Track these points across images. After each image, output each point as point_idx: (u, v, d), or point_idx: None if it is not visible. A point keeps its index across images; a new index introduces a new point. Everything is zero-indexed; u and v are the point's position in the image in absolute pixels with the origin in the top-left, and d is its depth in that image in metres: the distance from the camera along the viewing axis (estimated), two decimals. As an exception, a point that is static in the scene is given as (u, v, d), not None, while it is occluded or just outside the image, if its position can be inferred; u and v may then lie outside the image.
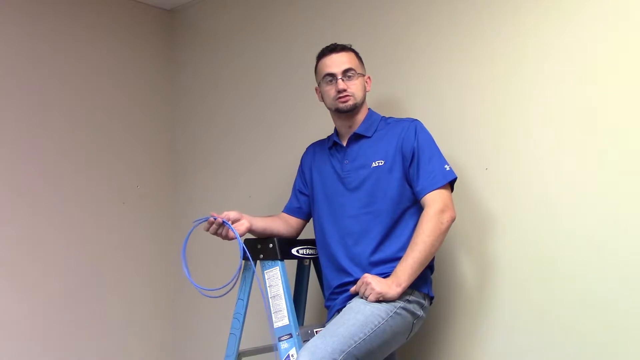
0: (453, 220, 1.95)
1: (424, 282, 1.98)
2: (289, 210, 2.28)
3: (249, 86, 3.01)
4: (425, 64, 2.36)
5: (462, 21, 2.27)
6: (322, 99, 2.14)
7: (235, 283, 2.02)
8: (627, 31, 1.91)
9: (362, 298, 1.90)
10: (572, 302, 1.96)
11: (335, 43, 2.12)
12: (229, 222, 2.04)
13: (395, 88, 2.43)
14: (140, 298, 3.13)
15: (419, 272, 1.90)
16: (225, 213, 2.06)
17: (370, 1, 2.54)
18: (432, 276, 2.07)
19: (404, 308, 1.90)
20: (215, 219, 2.04)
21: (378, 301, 1.87)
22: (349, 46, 2.12)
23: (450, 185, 2.00)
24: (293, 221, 2.26)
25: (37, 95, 2.86)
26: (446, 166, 1.99)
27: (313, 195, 2.19)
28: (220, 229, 2.05)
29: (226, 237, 2.06)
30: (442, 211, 1.92)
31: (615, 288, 1.88)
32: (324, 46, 2.14)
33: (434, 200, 1.94)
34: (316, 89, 2.18)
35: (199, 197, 3.18)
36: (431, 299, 2.03)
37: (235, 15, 3.10)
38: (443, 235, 1.93)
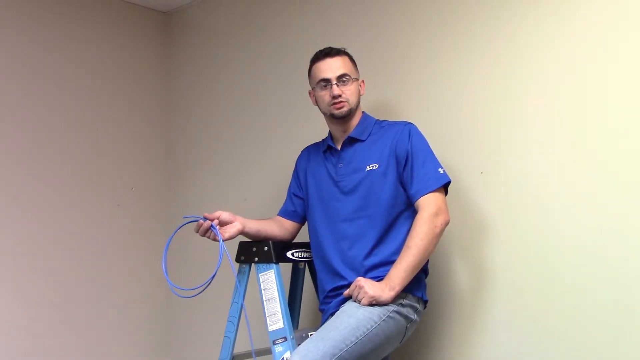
0: (447, 223, 1.95)
1: (418, 285, 1.98)
2: (284, 213, 2.27)
3: (245, 89, 3.01)
4: (420, 67, 2.36)
5: (457, 24, 2.27)
6: (317, 103, 2.14)
7: (207, 286, 2.00)
8: (624, 34, 1.91)
9: (355, 302, 1.90)
10: (568, 306, 1.96)
11: (330, 47, 2.11)
12: (217, 226, 2.03)
13: (389, 91, 2.43)
14: (136, 300, 3.12)
15: (412, 276, 1.90)
16: (218, 212, 2.06)
17: (366, 4, 2.55)
18: (427, 280, 2.07)
19: (397, 312, 1.90)
20: (205, 220, 2.03)
21: (371, 305, 1.86)
22: (343, 50, 2.11)
23: (445, 188, 2.00)
24: (288, 224, 2.26)
25: (33, 98, 2.85)
26: (440, 169, 1.99)
27: (308, 198, 2.19)
28: (209, 232, 2.05)
29: (215, 240, 2.06)
30: (436, 214, 1.92)
31: (612, 291, 1.88)
32: (318, 49, 2.13)
33: (428, 203, 1.93)
34: (310, 93, 2.17)
35: (195, 200, 3.18)
36: (425, 302, 2.03)
37: (231, 18, 3.10)
38: (437, 239, 1.93)
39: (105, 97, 3.10)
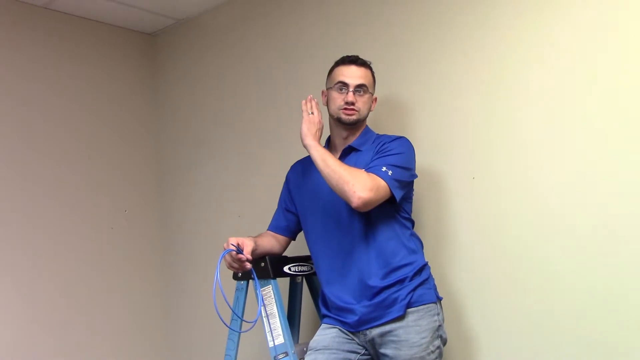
0: (360, 199, 1.87)
1: (434, 290, 2.01)
2: (276, 228, 2.26)
3: (233, 108, 3.02)
4: (412, 73, 2.37)
5: (449, 31, 2.28)
6: (327, 103, 2.14)
7: (256, 320, 1.99)
8: (620, 36, 1.91)
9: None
10: (566, 307, 1.97)
11: (357, 55, 2.12)
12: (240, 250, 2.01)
13: (382, 98, 2.43)
14: (131, 322, 3.12)
15: (318, 161, 1.95)
16: (234, 239, 2.02)
17: (355, 11, 2.55)
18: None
19: (439, 345, 1.96)
20: (239, 251, 2.00)
21: None
22: (369, 63, 2.13)
23: (392, 192, 1.94)
24: (281, 239, 2.25)
25: (22, 124, 2.86)
26: (389, 171, 1.94)
27: (305, 212, 2.17)
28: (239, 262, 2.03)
29: (245, 269, 2.04)
30: (368, 188, 1.88)
31: (608, 289, 1.89)
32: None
33: (375, 177, 1.92)
34: (323, 92, 2.17)
35: (188, 220, 3.18)
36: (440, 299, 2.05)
37: (216, 38, 3.12)
38: (340, 184, 1.89)
39: (93, 120, 3.11)
